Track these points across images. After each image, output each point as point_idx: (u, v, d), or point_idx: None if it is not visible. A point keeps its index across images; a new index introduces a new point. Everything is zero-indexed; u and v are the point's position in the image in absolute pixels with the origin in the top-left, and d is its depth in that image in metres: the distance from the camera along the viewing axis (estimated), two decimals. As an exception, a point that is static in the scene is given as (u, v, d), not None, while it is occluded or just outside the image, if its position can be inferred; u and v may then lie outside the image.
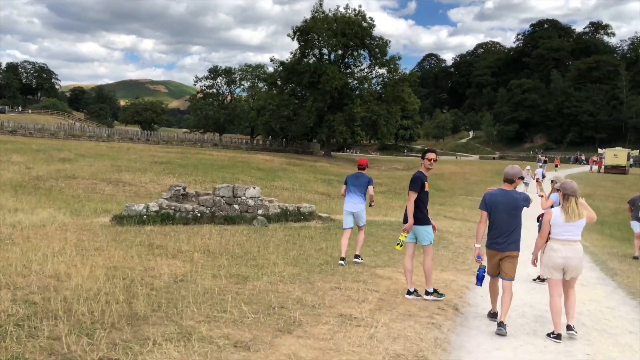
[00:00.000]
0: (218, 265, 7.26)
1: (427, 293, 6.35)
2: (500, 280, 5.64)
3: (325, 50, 57.45)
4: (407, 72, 55.46)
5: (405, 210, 6.37)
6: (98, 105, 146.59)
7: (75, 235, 8.89)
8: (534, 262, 5.82)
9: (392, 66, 54.36)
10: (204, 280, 6.27)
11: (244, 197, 12.11)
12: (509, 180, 5.73)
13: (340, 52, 56.43)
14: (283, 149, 62.13)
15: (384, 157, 76.45)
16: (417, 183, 6.24)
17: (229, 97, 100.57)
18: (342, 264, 7.90)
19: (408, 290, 6.36)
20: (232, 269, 7.06)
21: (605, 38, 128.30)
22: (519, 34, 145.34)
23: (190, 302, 5.16)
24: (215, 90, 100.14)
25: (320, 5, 57.15)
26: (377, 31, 55.22)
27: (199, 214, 11.51)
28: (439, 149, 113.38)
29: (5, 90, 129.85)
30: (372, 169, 54.80)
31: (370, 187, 8.43)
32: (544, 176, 27.40)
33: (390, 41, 56.12)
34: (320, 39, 54.18)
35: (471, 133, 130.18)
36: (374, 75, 56.95)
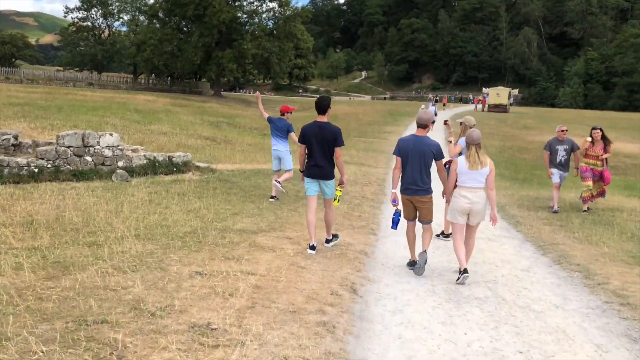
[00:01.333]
0: (34, 246, 5.26)
1: (327, 241, 6.30)
2: (418, 224, 5.83)
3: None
4: (299, 7, 52.55)
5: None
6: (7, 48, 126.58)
7: None
8: (444, 196, 6.05)
9: (282, 0, 51.27)
10: (-5, 275, 4.30)
11: (98, 147, 9.84)
12: (422, 125, 5.69)
13: (227, -18, 52.04)
14: (169, 88, 57.50)
15: (278, 97, 74.32)
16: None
17: (106, 32, 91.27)
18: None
19: (311, 245, 5.98)
20: (54, 251, 5.10)
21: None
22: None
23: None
24: (90, 24, 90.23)
25: None
26: None
27: (36, 170, 9.11)
28: (333, 89, 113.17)
29: None
30: (269, 110, 52.62)
31: (292, 134, 8.51)
32: (435, 114, 28.20)
33: (281, -28, 52.71)
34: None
35: (364, 73, 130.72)
36: (264, 10, 53.53)
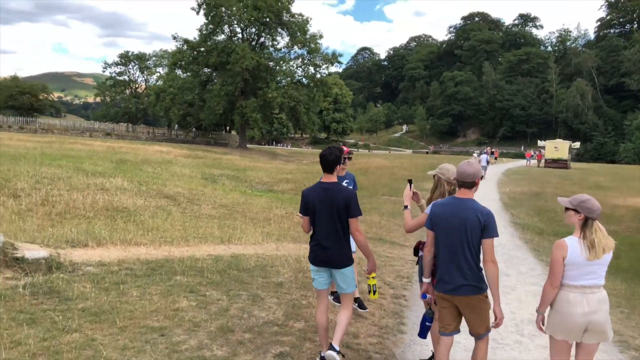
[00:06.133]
0: None
1: (331, 347, 4.06)
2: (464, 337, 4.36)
3: (238, 29, 49.78)
4: (329, 54, 48.53)
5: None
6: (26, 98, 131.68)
7: None
8: (540, 324, 3.74)
9: (312, 45, 47.42)
10: None
11: None
12: (467, 183, 3.80)
13: (254, 29, 48.92)
14: (192, 140, 53.96)
15: (308, 150, 70.01)
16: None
17: (143, 86, 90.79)
18: None
19: (322, 355, 4.19)
20: None
21: (534, 31, 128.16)
22: (450, 27, 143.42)
23: None
24: (126, 78, 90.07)
25: (232, -25, 49.43)
26: (316, 28, 48.08)
27: None
28: (372, 143, 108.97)
29: None
30: (292, 162, 47.98)
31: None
32: (488, 162, 25.80)
33: (311, 18, 49.23)
34: (229, 12, 46.43)
35: (405, 127, 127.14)
36: (292, 57, 49.82)
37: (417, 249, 4.58)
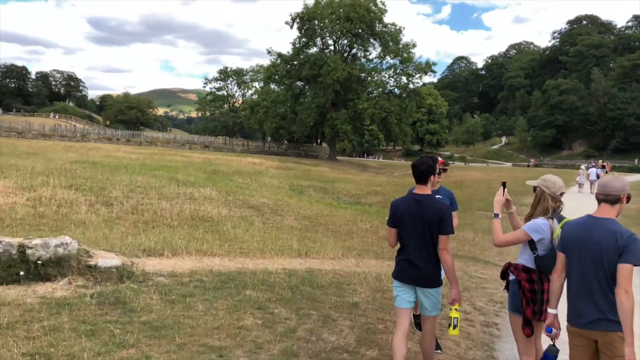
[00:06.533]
0: None
1: None
2: None
3: (330, 41, 50.16)
4: (423, 62, 47.33)
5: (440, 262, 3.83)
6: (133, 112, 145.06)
7: None
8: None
9: (405, 55, 46.52)
10: None
11: None
12: (611, 199, 3.20)
13: (345, 41, 48.99)
14: (284, 152, 54.97)
15: (398, 162, 68.66)
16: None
17: (240, 100, 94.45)
18: None
19: None
20: None
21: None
22: (554, 32, 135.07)
23: None
24: (225, 93, 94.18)
25: (325, -12, 49.98)
26: (414, 41, 47.23)
27: None
28: (469, 155, 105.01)
29: (34, 98, 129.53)
30: (382, 175, 47.10)
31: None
32: (598, 176, 24.42)
33: (404, 28, 48.38)
34: (321, 25, 46.88)
35: (504, 139, 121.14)
36: (384, 67, 49.19)
37: (506, 272, 3.89)
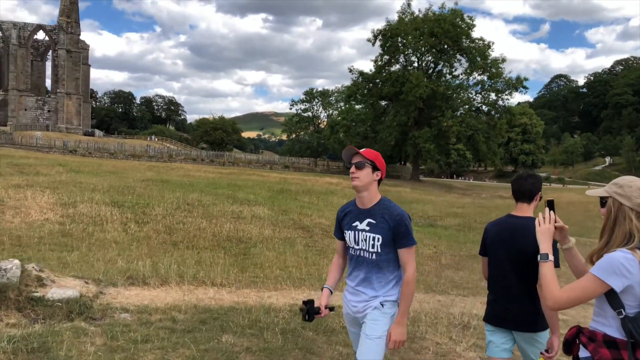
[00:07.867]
0: None
1: None
2: None
3: (414, 57, 48.48)
4: (513, 78, 44.09)
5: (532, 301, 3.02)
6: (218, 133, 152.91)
7: None
8: None
9: (493, 70, 43.66)
10: None
11: None
12: None
13: (430, 57, 47.05)
14: (364, 172, 53.44)
15: (487, 183, 64.55)
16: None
17: (325, 122, 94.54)
18: None
19: None
20: None
21: None
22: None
23: None
24: (310, 114, 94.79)
25: (409, 5, 48.57)
26: (504, 56, 44.73)
27: None
28: (567, 177, 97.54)
29: (138, 122, 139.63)
30: (468, 196, 44.01)
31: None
32: None
33: (493, 43, 45.57)
34: (404, 41, 45.37)
35: (607, 159, 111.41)
36: (471, 83, 46.52)
37: (573, 341, 2.24)
